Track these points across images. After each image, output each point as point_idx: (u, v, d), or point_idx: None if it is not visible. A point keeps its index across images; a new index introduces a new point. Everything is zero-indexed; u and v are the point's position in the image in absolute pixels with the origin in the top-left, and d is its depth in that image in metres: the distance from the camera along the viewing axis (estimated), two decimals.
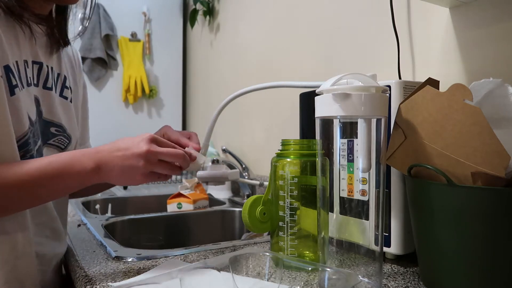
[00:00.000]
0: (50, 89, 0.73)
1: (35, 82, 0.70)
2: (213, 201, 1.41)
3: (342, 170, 0.62)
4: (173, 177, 1.85)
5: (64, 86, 0.78)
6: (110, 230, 0.98)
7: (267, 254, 0.57)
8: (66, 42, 0.79)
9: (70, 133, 0.78)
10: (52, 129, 0.74)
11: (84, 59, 1.96)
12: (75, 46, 0.87)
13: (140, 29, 2.12)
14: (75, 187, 0.62)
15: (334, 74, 0.53)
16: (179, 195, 1.28)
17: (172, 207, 1.27)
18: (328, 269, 0.53)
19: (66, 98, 0.78)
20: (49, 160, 0.61)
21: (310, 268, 0.56)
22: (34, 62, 0.70)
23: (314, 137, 0.57)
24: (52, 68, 0.75)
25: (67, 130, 0.77)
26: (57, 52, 0.77)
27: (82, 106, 0.89)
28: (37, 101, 0.70)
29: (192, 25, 2.01)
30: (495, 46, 0.71)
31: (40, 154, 0.71)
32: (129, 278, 0.59)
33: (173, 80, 2.22)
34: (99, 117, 1.92)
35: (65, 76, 0.79)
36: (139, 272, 0.62)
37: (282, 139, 0.67)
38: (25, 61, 0.68)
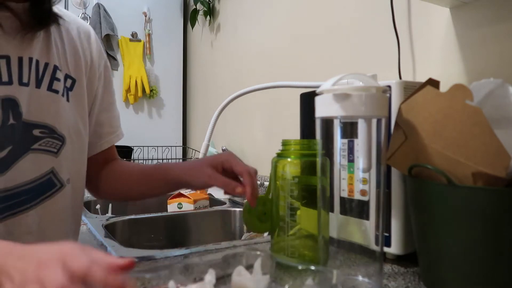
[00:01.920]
0: (27, 84, 0.63)
1: (6, 79, 0.61)
2: (213, 201, 1.41)
3: (342, 170, 0.62)
4: None
5: (54, 78, 0.67)
6: (111, 230, 0.98)
7: (258, 253, 0.57)
8: (49, 20, 0.66)
9: (63, 132, 0.68)
10: (36, 132, 0.65)
11: None
12: None
13: (140, 29, 2.13)
14: None
15: (334, 74, 0.53)
16: (180, 195, 1.28)
17: (172, 207, 1.28)
18: (313, 268, 0.53)
19: (56, 91, 0.67)
20: None
21: (300, 267, 0.56)
22: None
23: (314, 137, 0.57)
24: (31, 58, 0.64)
25: (57, 130, 0.67)
26: (43, 38, 0.66)
27: (104, 91, 0.80)
28: (12, 102, 0.61)
29: (193, 25, 2.01)
30: (496, 46, 0.71)
31: (3, 168, 0.60)
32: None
33: (173, 80, 2.22)
34: None
35: (55, 66, 0.68)
36: (139, 272, 0.62)
37: (282, 139, 0.67)
38: None
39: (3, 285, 0.40)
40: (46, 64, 0.66)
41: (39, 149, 0.66)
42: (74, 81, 0.72)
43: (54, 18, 0.68)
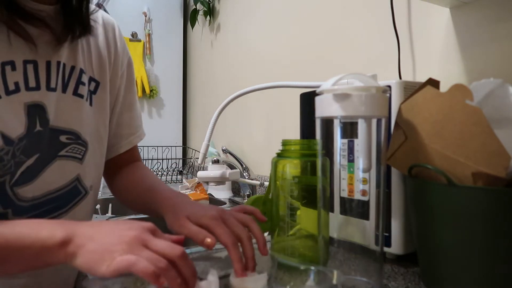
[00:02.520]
0: (54, 89, 0.62)
1: (34, 85, 0.59)
2: (213, 201, 1.41)
3: (342, 170, 0.62)
4: (174, 177, 1.85)
5: (79, 82, 0.65)
6: None
7: (258, 253, 0.57)
8: (83, 33, 0.64)
9: (86, 138, 0.67)
10: (63, 138, 0.63)
11: None
12: None
13: (140, 29, 2.13)
14: (31, 263, 0.48)
15: (334, 74, 0.53)
16: None
17: None
18: (313, 268, 0.53)
19: (81, 96, 0.66)
20: (14, 223, 0.49)
21: (301, 267, 0.56)
22: (26, 62, 0.58)
23: (314, 137, 0.57)
24: (59, 62, 0.62)
25: (81, 136, 0.66)
26: (70, 44, 0.64)
27: (127, 90, 0.77)
28: (39, 108, 0.60)
29: (193, 25, 2.01)
30: (496, 46, 0.71)
31: (30, 176, 0.60)
32: (128, 279, 0.59)
33: (173, 80, 2.22)
34: None
35: (81, 70, 0.66)
36: None
37: (282, 139, 0.67)
38: (3, 64, 0.56)
39: (85, 245, 0.45)
40: (73, 68, 0.65)
41: (66, 156, 0.64)
42: (98, 84, 0.70)
43: (88, 29, 0.65)
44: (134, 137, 0.82)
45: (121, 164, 0.82)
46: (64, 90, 0.63)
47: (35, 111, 0.59)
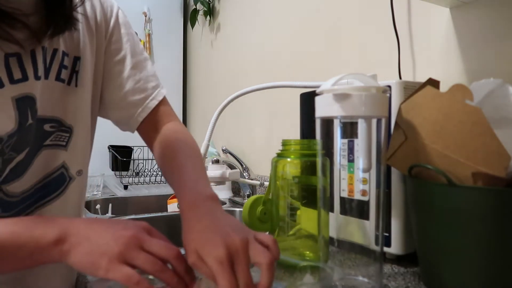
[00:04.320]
0: (40, 78, 0.58)
1: (20, 76, 0.55)
2: None
3: (342, 170, 0.62)
4: None
5: (62, 66, 0.61)
6: None
7: None
8: (65, 28, 0.59)
9: (70, 123, 0.64)
10: (46, 127, 0.61)
11: None
12: None
13: (140, 29, 2.13)
14: (26, 262, 0.47)
15: (334, 74, 0.53)
16: None
17: (172, 207, 1.28)
18: (312, 263, 0.53)
19: (63, 81, 0.62)
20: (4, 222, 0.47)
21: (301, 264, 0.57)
22: (8, 55, 0.54)
23: (314, 137, 0.57)
24: (43, 47, 0.58)
25: (65, 122, 0.63)
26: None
27: (123, 57, 0.71)
28: (29, 101, 0.57)
29: (193, 25, 2.01)
30: (496, 46, 0.71)
31: (19, 171, 0.58)
32: None
33: (173, 81, 2.22)
34: (99, 118, 1.91)
35: (63, 52, 0.61)
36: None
37: (282, 139, 0.67)
38: None
39: (80, 245, 0.45)
40: (55, 51, 0.60)
41: (50, 145, 0.62)
42: (81, 61, 0.65)
43: (70, 23, 0.60)
44: (149, 101, 0.74)
45: (150, 130, 0.75)
46: (46, 76, 0.59)
47: (26, 104, 0.56)
